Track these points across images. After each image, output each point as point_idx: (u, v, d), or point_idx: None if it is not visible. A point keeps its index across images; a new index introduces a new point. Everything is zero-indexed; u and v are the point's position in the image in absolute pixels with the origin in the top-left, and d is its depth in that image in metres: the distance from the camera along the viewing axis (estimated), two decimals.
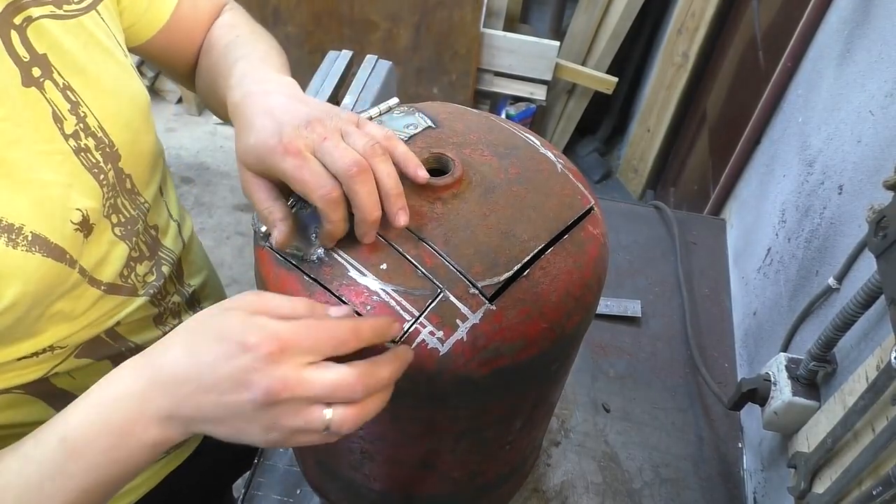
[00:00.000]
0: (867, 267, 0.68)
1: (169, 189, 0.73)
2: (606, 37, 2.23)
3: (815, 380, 0.73)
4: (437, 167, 0.54)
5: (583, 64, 2.31)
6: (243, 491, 0.80)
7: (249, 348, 0.40)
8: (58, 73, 0.53)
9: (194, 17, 0.70)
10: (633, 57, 2.40)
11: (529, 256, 0.50)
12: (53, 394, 0.62)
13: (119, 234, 0.61)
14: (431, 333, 0.47)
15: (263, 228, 0.52)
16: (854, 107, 0.80)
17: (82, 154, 0.55)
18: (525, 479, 0.80)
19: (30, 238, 0.50)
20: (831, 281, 0.73)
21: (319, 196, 0.47)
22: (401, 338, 0.47)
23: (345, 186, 0.47)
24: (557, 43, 2.17)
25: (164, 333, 0.69)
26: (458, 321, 0.47)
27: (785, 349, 0.84)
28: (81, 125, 0.55)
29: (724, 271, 1.10)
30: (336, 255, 0.49)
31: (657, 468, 0.86)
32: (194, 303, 0.76)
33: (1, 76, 0.49)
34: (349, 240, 0.50)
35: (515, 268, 0.49)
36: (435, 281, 0.48)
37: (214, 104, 0.69)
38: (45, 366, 0.59)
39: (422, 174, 0.50)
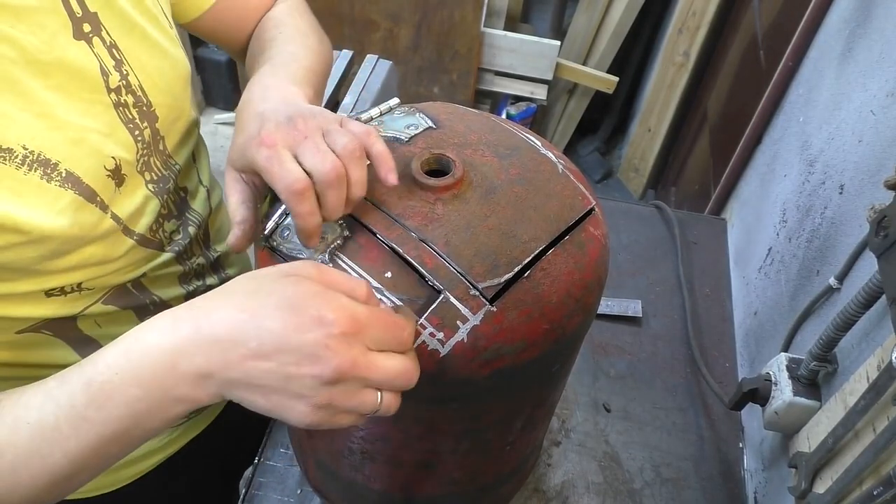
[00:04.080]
0: (868, 267, 0.68)
1: (202, 157, 0.76)
2: (607, 36, 2.23)
3: (815, 380, 0.73)
4: (438, 168, 0.54)
5: (583, 63, 2.31)
6: (244, 491, 0.80)
7: (326, 324, 0.40)
8: (106, 31, 0.56)
9: (243, 5, 0.74)
10: (633, 56, 2.40)
11: (530, 258, 0.50)
12: (79, 339, 0.64)
13: (152, 189, 0.64)
14: (432, 335, 0.47)
15: (265, 230, 0.52)
16: (855, 106, 0.79)
17: (121, 109, 0.58)
18: (526, 480, 0.80)
19: (63, 175, 0.52)
20: (832, 281, 0.73)
21: (284, 186, 0.47)
22: None
23: (318, 188, 0.48)
24: (558, 42, 2.17)
25: (188, 292, 0.72)
26: (458, 322, 0.47)
27: (786, 349, 0.84)
28: (124, 82, 0.58)
29: (724, 271, 1.10)
30: (339, 261, 0.49)
31: (658, 468, 0.86)
32: (218, 268, 0.78)
33: (54, 26, 0.52)
34: (351, 244, 0.50)
35: (516, 269, 0.49)
36: (435, 282, 0.48)
37: None
38: (72, 304, 0.60)
39: (391, 179, 0.50)
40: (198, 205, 0.73)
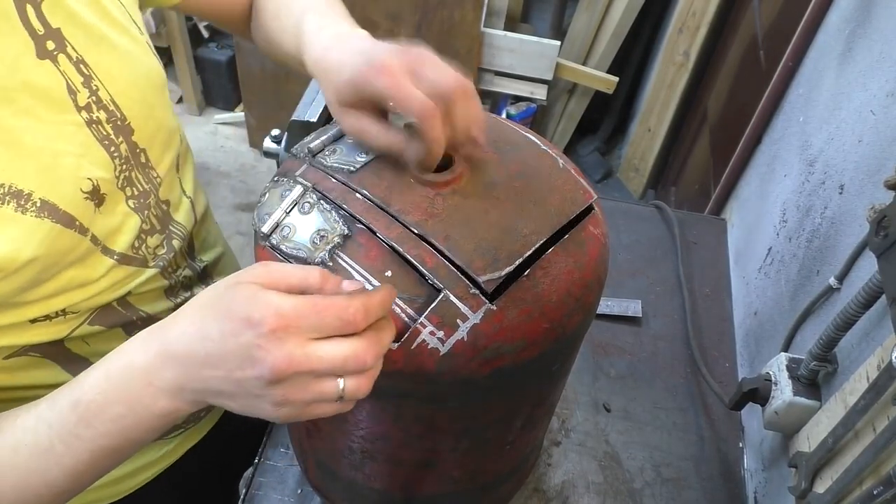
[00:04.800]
0: (868, 267, 0.68)
1: (186, 166, 0.74)
2: (607, 36, 2.23)
3: (815, 379, 0.73)
4: (439, 163, 0.54)
5: (583, 63, 2.31)
6: (244, 491, 0.80)
7: (253, 324, 0.40)
8: (71, 47, 0.54)
9: None
10: (633, 56, 2.40)
11: (531, 251, 0.50)
12: (68, 358, 0.63)
13: (132, 206, 0.62)
14: (432, 333, 0.47)
15: (264, 227, 0.52)
16: (855, 106, 0.79)
17: (94, 126, 0.56)
18: (526, 479, 0.80)
19: (38, 204, 0.51)
20: (832, 281, 0.73)
21: (418, 110, 0.49)
22: (401, 338, 0.47)
23: (445, 106, 0.49)
24: (558, 42, 2.17)
25: (176, 305, 0.71)
26: (458, 321, 0.47)
27: (786, 349, 0.84)
28: (94, 98, 0.56)
29: (724, 271, 1.10)
30: (339, 260, 0.49)
31: (658, 468, 0.86)
32: (206, 277, 0.77)
33: (16, 48, 0.50)
34: (351, 243, 0.50)
35: (517, 262, 0.49)
36: (435, 281, 0.48)
37: (280, 55, 0.71)
38: (59, 328, 0.60)
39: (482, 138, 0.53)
40: (181, 217, 0.71)
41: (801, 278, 0.85)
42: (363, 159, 0.55)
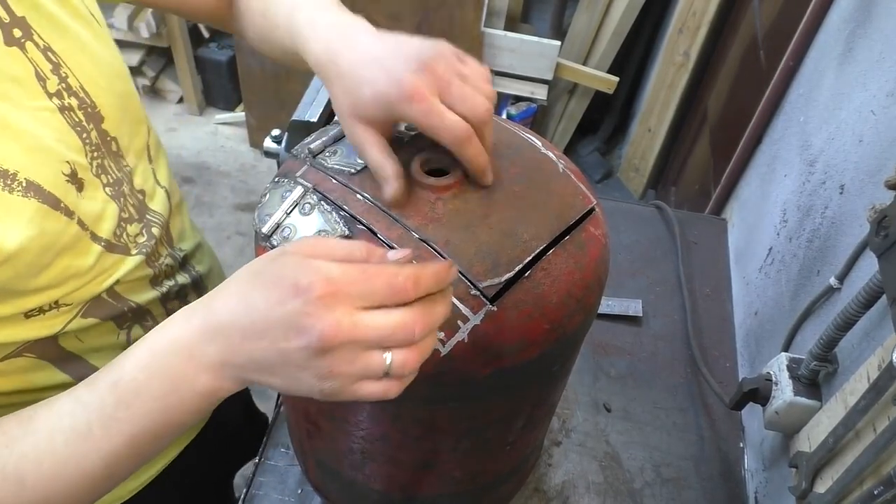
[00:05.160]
0: (868, 266, 0.68)
1: (160, 157, 0.73)
2: (607, 36, 2.23)
3: (816, 379, 0.73)
4: (439, 167, 0.54)
5: (584, 63, 2.31)
6: (244, 490, 0.80)
7: (301, 291, 0.39)
8: (38, 35, 0.54)
9: None
10: (634, 56, 2.40)
11: (531, 257, 0.50)
12: (62, 357, 0.63)
13: (109, 193, 0.62)
14: None
15: (264, 228, 0.52)
16: (855, 106, 0.79)
17: (66, 112, 0.56)
18: (526, 479, 0.80)
19: (24, 184, 0.51)
20: (833, 281, 0.73)
21: (453, 138, 0.49)
22: None
23: (475, 128, 0.50)
24: (558, 42, 2.17)
25: (162, 294, 0.71)
26: (459, 322, 0.47)
27: (786, 349, 0.84)
28: (64, 85, 0.56)
29: (725, 271, 1.10)
30: None
31: (658, 468, 0.86)
32: (186, 265, 0.77)
33: None
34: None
35: (517, 268, 0.49)
36: None
37: (274, 52, 0.70)
38: (52, 322, 0.60)
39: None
40: (157, 205, 0.71)
41: (802, 278, 0.85)
42: (364, 161, 0.55)
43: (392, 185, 0.51)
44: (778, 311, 0.91)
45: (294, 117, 0.82)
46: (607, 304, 1.01)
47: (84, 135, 0.58)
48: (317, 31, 0.57)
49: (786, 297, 0.89)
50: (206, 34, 2.70)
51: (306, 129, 0.79)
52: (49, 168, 0.54)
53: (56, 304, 0.59)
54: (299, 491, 0.80)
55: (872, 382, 0.56)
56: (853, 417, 0.58)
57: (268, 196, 0.55)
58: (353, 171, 0.55)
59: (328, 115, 0.90)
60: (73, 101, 0.57)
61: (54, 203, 0.54)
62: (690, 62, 2.04)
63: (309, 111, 0.87)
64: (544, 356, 0.50)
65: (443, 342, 0.47)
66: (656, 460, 0.86)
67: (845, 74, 0.85)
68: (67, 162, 0.56)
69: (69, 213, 0.56)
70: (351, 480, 0.66)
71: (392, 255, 0.43)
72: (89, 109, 0.59)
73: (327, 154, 0.57)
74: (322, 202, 0.52)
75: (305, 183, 0.54)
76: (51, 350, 0.62)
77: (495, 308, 0.48)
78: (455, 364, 0.47)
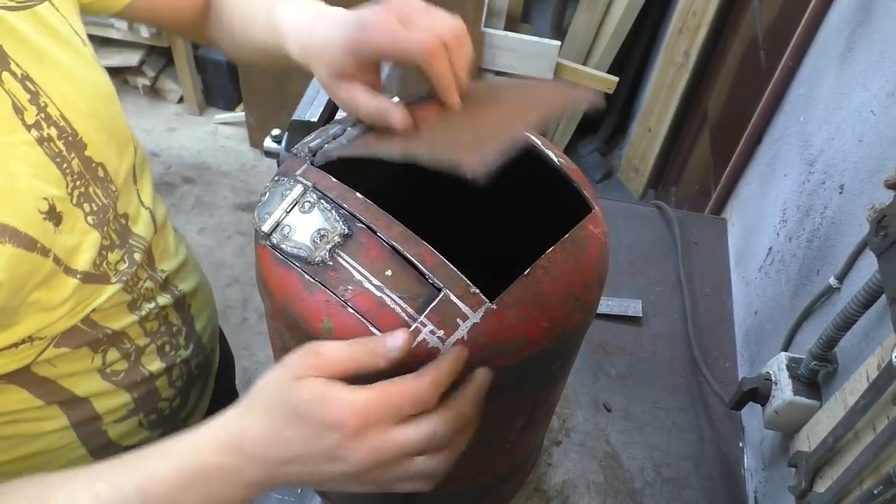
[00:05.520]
0: (868, 266, 0.68)
1: (144, 175, 0.72)
2: (607, 36, 2.23)
3: (816, 379, 0.73)
4: (418, 98, 0.56)
5: (584, 63, 2.31)
6: None
7: (335, 427, 0.41)
8: (15, 63, 0.53)
9: None
10: (634, 56, 2.40)
11: (524, 132, 0.49)
12: (35, 382, 0.62)
13: (92, 222, 0.60)
14: (432, 332, 0.47)
15: (265, 226, 0.52)
16: (855, 106, 0.79)
17: (45, 144, 0.55)
18: (526, 479, 0.80)
19: None
20: (832, 280, 0.73)
21: (420, 50, 0.49)
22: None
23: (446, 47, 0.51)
24: (558, 42, 2.17)
25: (140, 318, 0.69)
26: (458, 320, 0.47)
27: (786, 348, 0.84)
28: (42, 115, 0.55)
29: (725, 271, 1.10)
30: (339, 258, 0.49)
31: (658, 467, 0.86)
32: (168, 285, 0.75)
33: None
34: (351, 242, 0.50)
35: (508, 146, 0.46)
36: (435, 280, 0.48)
37: (251, 52, 0.69)
38: (25, 355, 0.58)
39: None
40: (140, 229, 0.69)
41: (802, 278, 0.85)
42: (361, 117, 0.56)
43: (396, 114, 0.52)
44: (778, 310, 0.91)
45: (294, 117, 0.82)
46: (607, 304, 1.01)
47: (64, 165, 0.56)
48: (300, 23, 0.58)
49: (786, 296, 0.89)
50: None
51: (306, 128, 0.79)
52: (25, 208, 0.52)
53: (29, 339, 0.57)
54: (299, 490, 0.80)
55: (872, 382, 0.56)
56: (853, 417, 0.58)
57: (268, 195, 0.55)
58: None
59: (328, 115, 0.90)
60: (53, 132, 0.55)
61: (30, 244, 0.52)
62: (690, 62, 2.04)
63: (309, 111, 0.87)
64: (544, 354, 0.50)
65: (442, 340, 0.47)
66: (656, 460, 0.86)
67: (845, 74, 0.85)
68: (45, 198, 0.54)
69: (45, 252, 0.54)
70: None
71: (391, 342, 0.44)
72: (70, 138, 0.57)
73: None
74: (322, 200, 0.52)
75: (305, 181, 0.54)
76: (23, 376, 0.60)
77: (494, 306, 0.48)
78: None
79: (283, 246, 0.51)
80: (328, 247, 0.50)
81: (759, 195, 1.11)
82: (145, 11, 0.71)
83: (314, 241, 0.50)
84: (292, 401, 0.43)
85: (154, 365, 0.72)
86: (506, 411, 0.57)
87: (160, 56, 2.77)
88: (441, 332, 0.47)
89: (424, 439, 0.43)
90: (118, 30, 2.46)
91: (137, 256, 0.68)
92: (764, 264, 0.99)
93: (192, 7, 0.73)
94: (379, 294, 0.48)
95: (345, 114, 0.60)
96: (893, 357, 0.52)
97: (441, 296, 0.47)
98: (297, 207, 0.52)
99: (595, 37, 2.28)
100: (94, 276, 0.62)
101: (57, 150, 0.56)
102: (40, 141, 0.54)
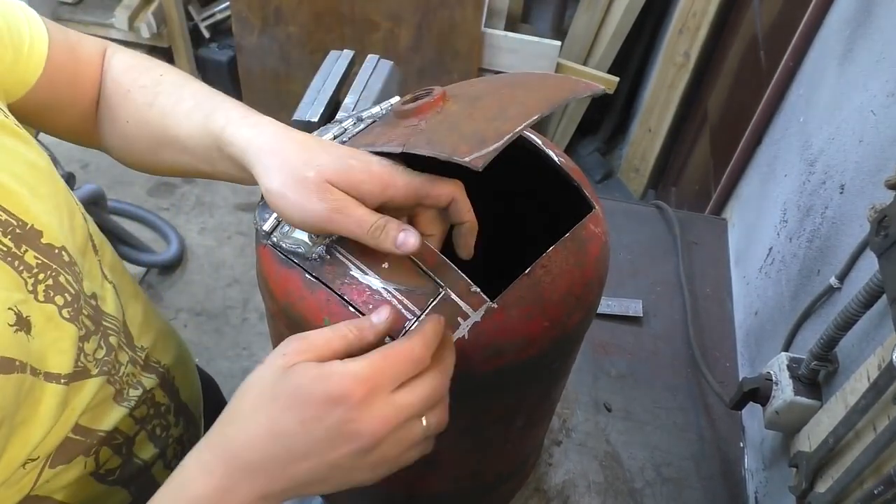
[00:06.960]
0: (868, 266, 0.68)
1: (103, 245, 0.65)
2: (608, 36, 2.23)
3: (816, 379, 0.73)
4: (417, 96, 0.54)
5: (584, 64, 2.31)
6: None
7: (339, 400, 0.40)
8: None
9: (74, 68, 0.62)
10: (634, 57, 2.40)
11: (521, 127, 0.46)
12: (37, 501, 0.56)
13: (67, 315, 0.53)
14: None
15: (265, 226, 0.52)
16: (855, 106, 0.79)
17: None
18: (526, 479, 0.80)
19: None
20: (833, 280, 0.73)
21: (448, 196, 0.49)
22: (401, 335, 0.47)
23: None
24: (559, 43, 2.17)
25: (130, 410, 0.63)
26: (459, 319, 0.47)
27: (786, 349, 0.84)
28: None
29: (725, 271, 1.10)
30: (337, 254, 0.49)
31: (659, 467, 0.86)
32: (150, 362, 0.68)
33: None
34: (351, 240, 0.50)
35: (505, 138, 0.46)
36: (436, 279, 0.48)
37: (157, 161, 0.61)
38: (22, 485, 0.54)
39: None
40: (110, 307, 0.61)
41: (802, 278, 0.85)
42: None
43: (408, 233, 0.46)
44: (778, 310, 0.91)
45: (294, 117, 0.83)
46: (607, 304, 1.01)
47: (16, 262, 0.49)
48: (250, 141, 0.50)
49: (786, 296, 0.89)
50: (206, 34, 2.70)
51: (306, 128, 0.79)
52: None
53: (22, 466, 0.52)
54: None
55: (872, 382, 0.56)
56: (853, 417, 0.58)
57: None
58: None
59: (328, 115, 0.90)
60: None
61: (7, 367, 0.47)
62: (690, 62, 2.04)
63: (309, 111, 0.87)
64: (544, 354, 0.50)
65: None
66: (657, 460, 0.86)
67: (845, 74, 0.85)
68: (10, 308, 0.47)
69: (22, 368, 0.48)
70: None
71: (376, 318, 0.44)
72: (18, 230, 0.50)
73: None
74: None
75: None
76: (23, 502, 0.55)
77: (495, 305, 0.48)
78: (455, 361, 0.47)
79: (284, 244, 0.51)
80: (325, 242, 0.50)
81: (759, 195, 1.11)
82: (42, 99, 0.60)
83: (311, 237, 0.50)
84: (288, 389, 0.41)
85: (147, 452, 0.67)
86: (506, 411, 0.57)
87: (161, 56, 2.77)
88: None
89: (427, 397, 0.42)
90: (118, 30, 2.46)
91: (113, 340, 0.61)
92: (764, 264, 0.99)
93: (84, 106, 0.64)
94: (377, 286, 0.48)
95: (345, 113, 0.60)
96: (894, 357, 0.52)
97: (442, 295, 0.47)
98: None
99: (595, 37, 2.28)
100: (76, 375, 0.56)
101: (6, 249, 0.49)
102: None
